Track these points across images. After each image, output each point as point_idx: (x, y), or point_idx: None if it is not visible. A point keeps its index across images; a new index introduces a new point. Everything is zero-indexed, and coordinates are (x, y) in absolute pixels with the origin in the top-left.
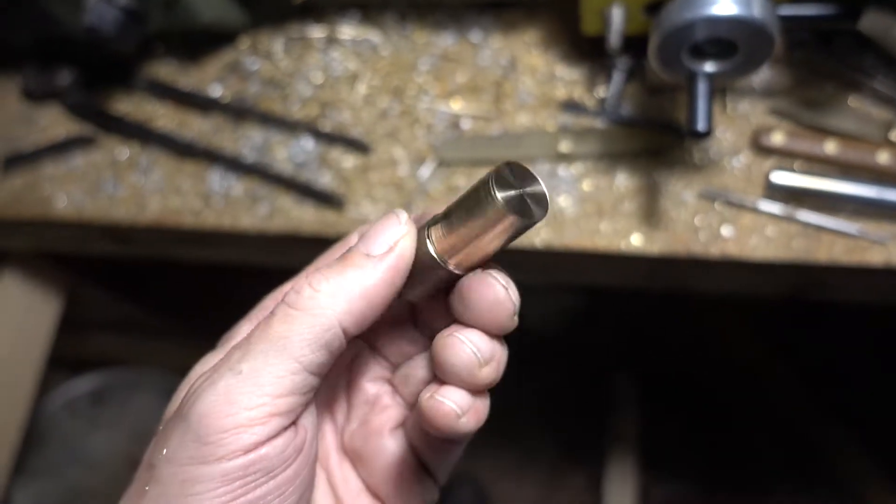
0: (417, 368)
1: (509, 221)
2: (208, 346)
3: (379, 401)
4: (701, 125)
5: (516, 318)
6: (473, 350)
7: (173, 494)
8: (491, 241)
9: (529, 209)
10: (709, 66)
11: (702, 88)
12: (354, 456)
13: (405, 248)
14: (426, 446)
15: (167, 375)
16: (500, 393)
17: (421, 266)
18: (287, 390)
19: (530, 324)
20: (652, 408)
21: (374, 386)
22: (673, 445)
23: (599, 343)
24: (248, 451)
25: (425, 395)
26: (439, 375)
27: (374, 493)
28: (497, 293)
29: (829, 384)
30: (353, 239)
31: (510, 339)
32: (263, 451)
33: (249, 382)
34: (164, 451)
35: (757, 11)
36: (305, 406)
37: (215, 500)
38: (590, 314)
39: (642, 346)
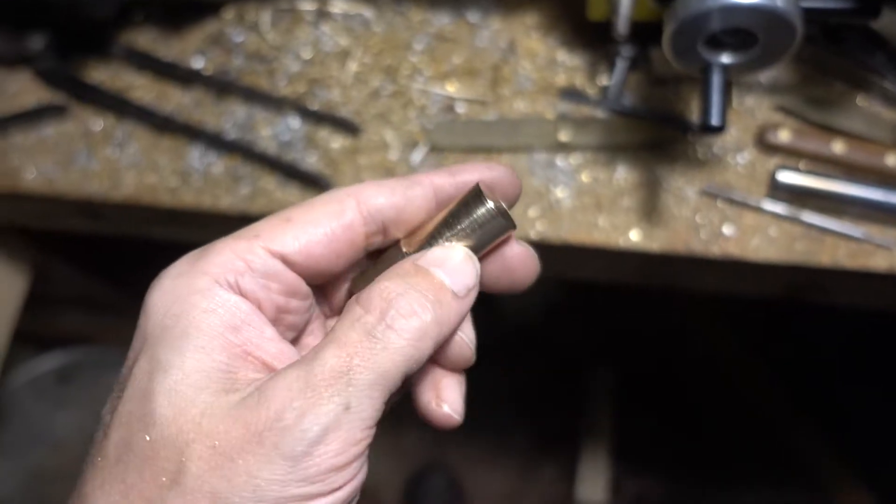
0: None
1: (509, 233)
2: None
3: None
4: (715, 119)
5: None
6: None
7: None
8: (486, 252)
9: (510, 219)
10: (725, 58)
11: (717, 81)
12: None
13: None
14: None
15: None
16: (474, 383)
17: None
18: (376, 420)
19: (507, 315)
20: (626, 402)
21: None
22: (646, 440)
23: (575, 336)
24: (347, 482)
25: (431, 404)
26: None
27: None
28: None
29: (804, 384)
30: (348, 205)
31: (487, 330)
32: (356, 481)
33: (356, 417)
34: (248, 488)
35: (780, 0)
36: None
37: None
38: (567, 307)
39: (618, 340)
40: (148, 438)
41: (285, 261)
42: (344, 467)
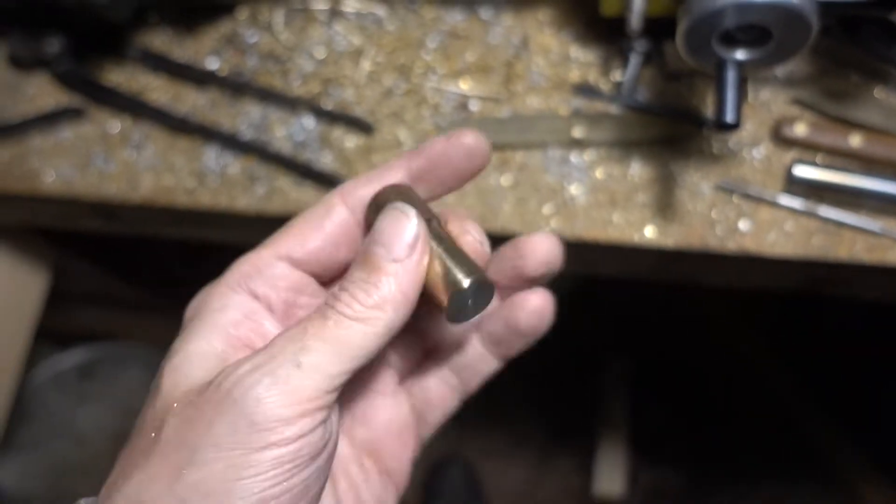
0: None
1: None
2: None
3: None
4: (730, 116)
5: None
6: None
7: (218, 480)
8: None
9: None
10: (740, 54)
11: (731, 77)
12: (349, 414)
13: (424, 246)
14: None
15: (155, 350)
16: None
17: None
18: (334, 387)
19: None
20: (643, 393)
21: None
22: (663, 431)
23: (592, 326)
24: (300, 437)
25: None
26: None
27: (368, 451)
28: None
29: (821, 376)
30: (334, 203)
31: None
32: (312, 437)
33: (307, 376)
34: (207, 435)
35: None
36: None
37: (264, 483)
38: (583, 297)
39: (635, 331)
40: (152, 409)
41: (291, 261)
42: (293, 420)
